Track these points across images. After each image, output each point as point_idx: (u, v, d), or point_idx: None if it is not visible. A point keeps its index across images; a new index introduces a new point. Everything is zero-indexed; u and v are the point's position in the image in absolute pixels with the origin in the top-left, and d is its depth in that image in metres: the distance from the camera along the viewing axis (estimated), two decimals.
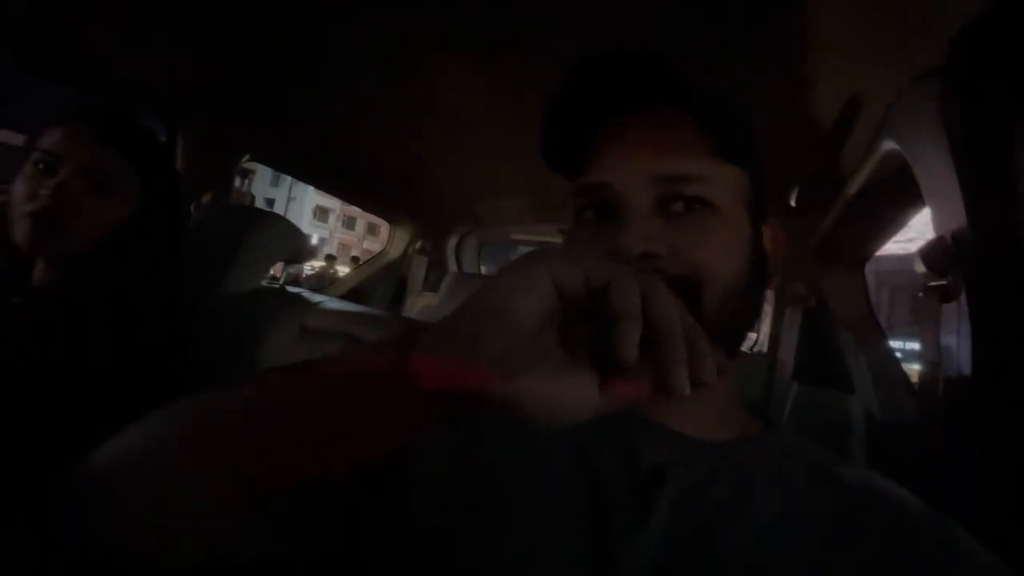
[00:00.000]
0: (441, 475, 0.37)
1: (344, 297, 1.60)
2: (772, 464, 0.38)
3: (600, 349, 0.26)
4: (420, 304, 1.51)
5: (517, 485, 0.36)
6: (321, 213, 21.18)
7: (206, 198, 1.14)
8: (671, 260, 0.38)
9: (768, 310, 1.44)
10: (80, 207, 0.69)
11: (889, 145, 0.62)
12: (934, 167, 0.51)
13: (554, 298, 0.25)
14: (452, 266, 1.87)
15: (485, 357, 0.23)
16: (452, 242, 1.84)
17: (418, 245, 1.76)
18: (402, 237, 1.83)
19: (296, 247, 1.17)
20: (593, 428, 0.39)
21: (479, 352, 0.24)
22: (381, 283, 1.85)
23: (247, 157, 1.25)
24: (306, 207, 19.59)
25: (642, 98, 0.40)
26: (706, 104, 0.37)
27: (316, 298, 1.06)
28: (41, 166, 0.70)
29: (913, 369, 0.59)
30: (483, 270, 2.08)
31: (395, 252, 1.85)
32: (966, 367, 0.45)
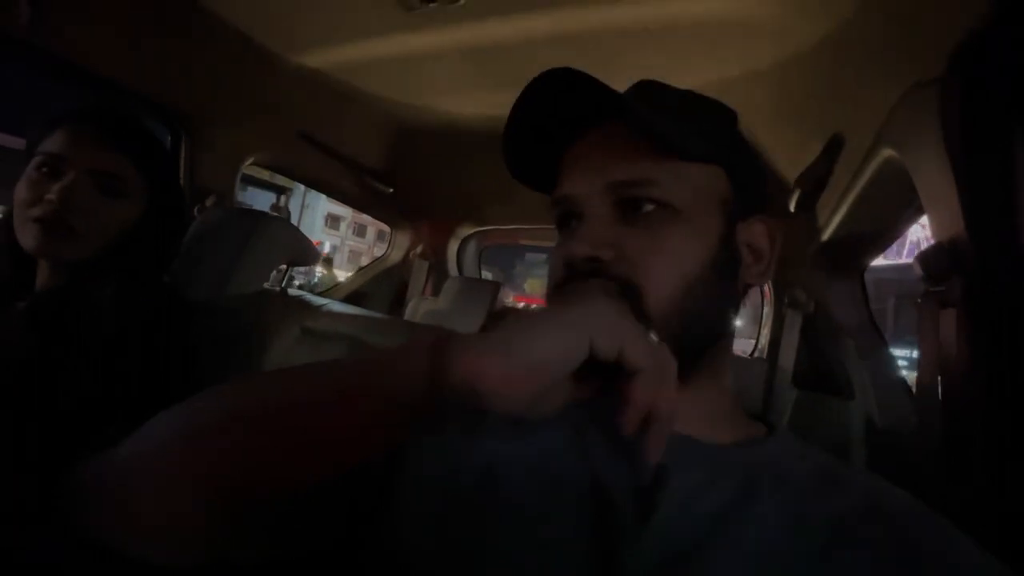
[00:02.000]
0: (440, 475, 0.38)
1: (346, 301, 1.60)
2: (775, 467, 0.38)
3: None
4: (423, 309, 1.51)
5: (517, 484, 0.36)
6: (333, 221, 21.42)
7: (209, 201, 1.14)
8: (616, 264, 0.39)
9: (769, 313, 1.44)
10: (88, 211, 0.69)
11: (888, 151, 0.62)
12: (933, 174, 0.52)
13: (584, 359, 0.30)
14: (453, 270, 1.87)
15: (522, 391, 0.29)
16: (453, 246, 1.85)
17: (419, 249, 1.76)
18: (403, 241, 1.84)
19: (299, 250, 1.18)
20: (595, 428, 0.40)
21: (521, 386, 0.29)
22: (382, 287, 1.86)
23: (250, 161, 1.26)
24: (318, 215, 19.75)
25: (587, 115, 0.42)
26: (642, 111, 0.38)
27: (318, 301, 1.07)
28: (45, 169, 0.69)
29: (915, 376, 0.59)
30: (484, 274, 2.09)
31: (396, 256, 1.85)
32: (965, 373, 0.46)
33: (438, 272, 1.81)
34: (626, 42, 0.77)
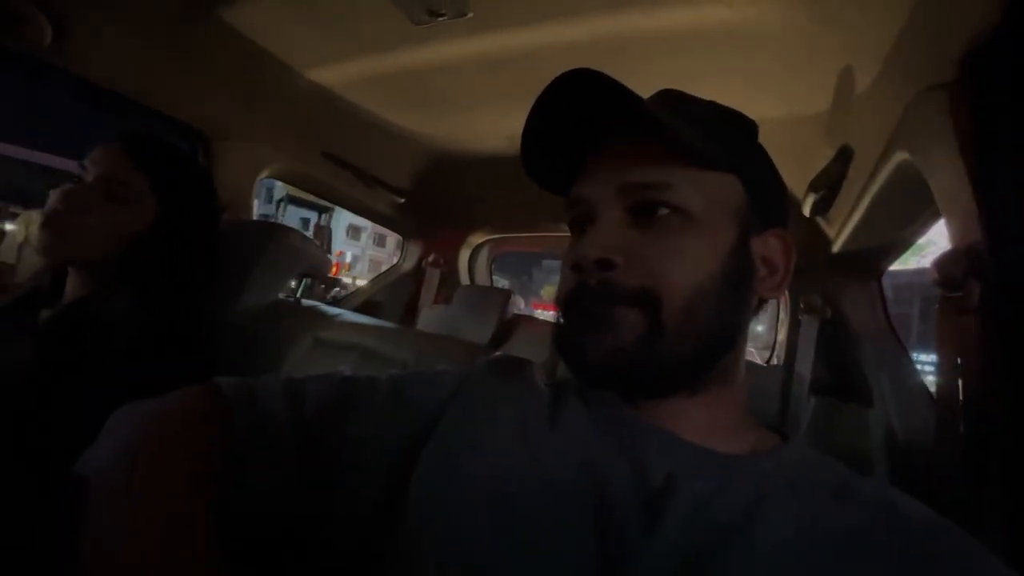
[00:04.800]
0: (445, 486, 0.38)
1: (358, 310, 1.62)
2: (788, 477, 0.37)
3: None
4: (435, 317, 1.52)
5: (522, 495, 0.36)
6: (354, 232, 21.96)
7: (224, 214, 1.17)
8: (628, 269, 0.38)
9: (785, 319, 1.42)
10: (87, 211, 0.71)
11: (902, 155, 0.61)
12: (948, 178, 0.51)
13: None
14: (465, 279, 1.88)
15: None
16: (465, 255, 1.86)
17: (431, 258, 1.78)
18: (416, 250, 1.86)
19: (313, 261, 1.20)
20: (601, 433, 0.40)
21: None
22: (396, 296, 1.87)
23: (265, 174, 1.29)
24: (340, 226, 20.20)
25: (606, 118, 0.41)
26: (661, 114, 0.38)
27: (331, 311, 1.08)
28: (72, 182, 0.73)
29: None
30: (497, 281, 2.09)
31: (409, 265, 1.87)
32: (984, 379, 0.44)
33: (450, 280, 1.82)
34: (637, 52, 0.78)
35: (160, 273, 0.77)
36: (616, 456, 0.38)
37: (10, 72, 0.92)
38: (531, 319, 1.48)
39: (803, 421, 0.76)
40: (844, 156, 0.75)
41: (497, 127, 1.12)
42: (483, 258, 1.95)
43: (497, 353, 0.56)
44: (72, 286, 0.75)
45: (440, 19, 0.79)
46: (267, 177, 1.31)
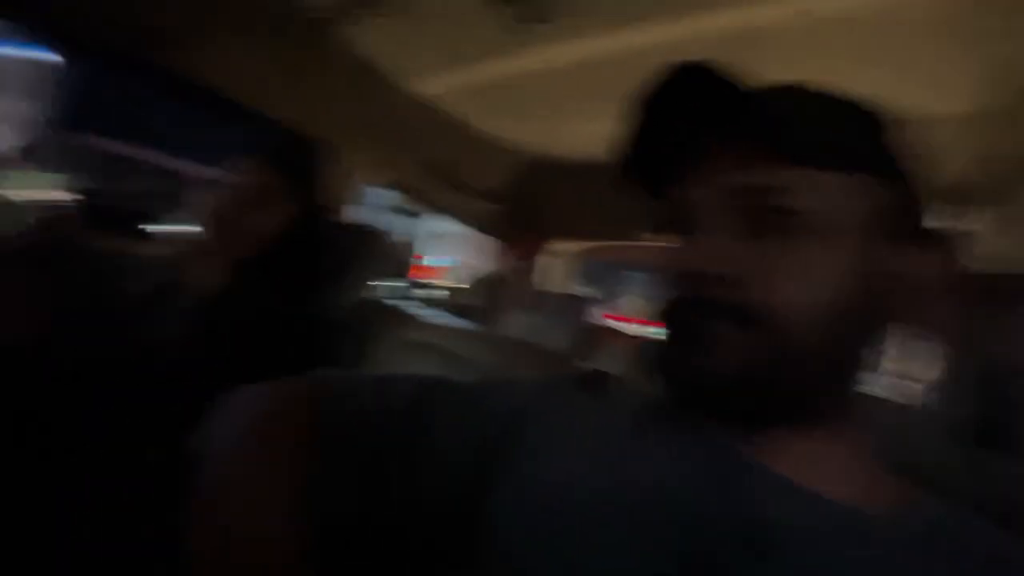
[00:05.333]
0: (521, 493, 0.36)
1: (445, 312, 1.67)
2: (925, 539, 0.31)
3: None
4: (517, 323, 1.52)
5: (599, 505, 0.33)
6: (441, 237, 23.41)
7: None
8: (736, 283, 0.34)
9: (928, 351, 1.24)
10: (247, 214, 0.82)
11: None
12: None
13: None
14: (550, 285, 1.88)
15: None
16: (550, 262, 1.85)
17: (517, 264, 1.79)
18: (503, 255, 1.88)
19: (404, 263, 1.24)
20: (690, 458, 0.35)
21: None
22: (481, 300, 1.92)
23: (366, 181, 1.36)
24: (428, 232, 21.63)
25: (714, 114, 0.37)
26: (767, 112, 0.33)
27: (413, 312, 1.11)
28: (225, 186, 0.84)
29: None
30: (579, 290, 2.07)
31: (496, 270, 1.90)
32: None
33: (535, 287, 1.82)
34: (744, 47, 0.71)
35: (291, 273, 0.86)
36: (704, 483, 0.34)
37: (156, 86, 1.06)
38: (615, 331, 1.43)
39: (946, 473, 0.64)
40: (1011, 164, 0.64)
41: (588, 132, 1.10)
42: (568, 266, 1.94)
43: (578, 364, 0.53)
44: (207, 279, 0.84)
45: (534, 25, 0.78)
46: (367, 184, 1.39)
